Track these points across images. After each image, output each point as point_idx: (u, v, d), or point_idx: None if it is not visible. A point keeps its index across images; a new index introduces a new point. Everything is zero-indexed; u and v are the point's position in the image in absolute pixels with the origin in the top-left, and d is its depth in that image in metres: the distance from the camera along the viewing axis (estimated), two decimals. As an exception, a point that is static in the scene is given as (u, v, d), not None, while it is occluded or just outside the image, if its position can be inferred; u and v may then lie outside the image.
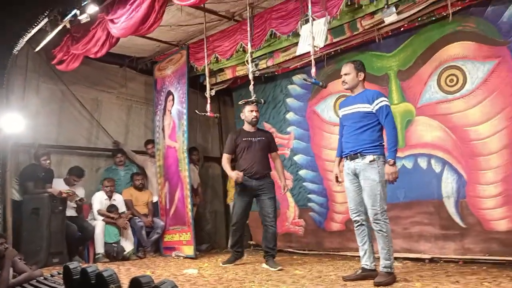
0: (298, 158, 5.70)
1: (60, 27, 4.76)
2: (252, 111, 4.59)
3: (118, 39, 4.72)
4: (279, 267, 4.24)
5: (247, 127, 4.67)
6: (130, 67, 6.45)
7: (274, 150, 4.69)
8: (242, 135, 4.65)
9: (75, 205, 5.32)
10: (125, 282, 2.47)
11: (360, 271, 3.55)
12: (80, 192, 5.45)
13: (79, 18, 4.48)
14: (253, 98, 4.59)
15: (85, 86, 6.07)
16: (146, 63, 6.45)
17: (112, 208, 5.52)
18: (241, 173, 4.45)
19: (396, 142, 3.39)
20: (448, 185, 4.38)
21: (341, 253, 5.09)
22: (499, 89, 4.04)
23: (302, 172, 5.65)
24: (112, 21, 4.47)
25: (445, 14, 4.13)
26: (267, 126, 6.01)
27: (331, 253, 5.22)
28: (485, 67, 4.11)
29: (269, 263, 4.38)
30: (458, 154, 4.33)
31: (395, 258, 4.44)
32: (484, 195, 4.13)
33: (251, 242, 6.28)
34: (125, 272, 4.27)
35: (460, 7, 4.11)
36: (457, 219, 4.31)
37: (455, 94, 4.32)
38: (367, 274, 3.48)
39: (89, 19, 4.48)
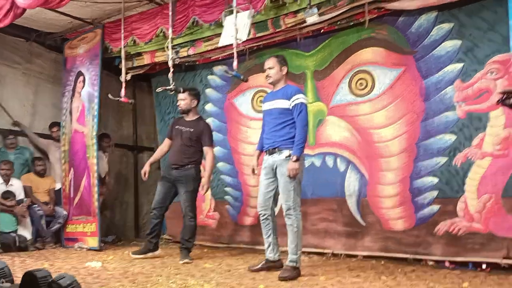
0: (216, 150, 5.61)
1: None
2: (178, 99, 4.52)
3: (24, 10, 4.30)
4: (185, 260, 4.19)
5: (184, 115, 4.56)
6: (37, 42, 5.92)
7: (205, 144, 4.46)
8: (177, 123, 4.59)
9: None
10: (19, 275, 2.26)
11: (264, 262, 3.69)
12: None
13: (-22, -19, 4.01)
14: (171, 86, 4.43)
15: (-15, 59, 5.50)
16: (56, 39, 5.97)
17: (8, 194, 5.06)
18: (145, 170, 4.56)
19: (303, 140, 3.48)
20: (351, 184, 4.60)
21: (252, 247, 5.15)
22: (402, 96, 4.31)
23: (219, 165, 5.60)
24: (17, -11, 4.06)
25: (362, 20, 4.31)
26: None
27: (242, 246, 5.25)
28: (392, 74, 4.36)
29: (180, 254, 4.32)
30: (362, 155, 4.56)
31: (303, 253, 4.60)
32: (383, 195, 4.40)
33: (165, 236, 6.12)
34: (20, 265, 3.94)
35: (376, 15, 4.31)
36: (358, 217, 4.54)
37: (364, 97, 4.54)
38: (271, 265, 3.65)
39: (-11, -16, 4.03)
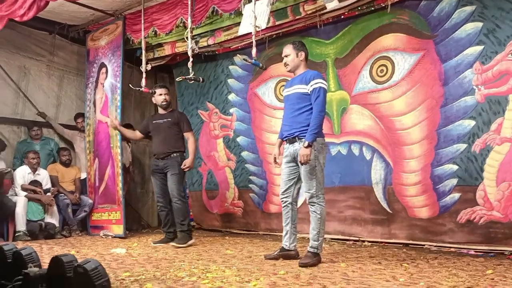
0: (240, 139, 5.70)
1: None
2: (161, 94, 4.71)
3: (47, 2, 4.40)
4: (182, 244, 4.36)
5: (160, 110, 4.83)
6: (60, 35, 6.04)
7: (185, 130, 4.73)
8: (153, 118, 4.86)
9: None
10: (47, 261, 2.34)
11: (279, 250, 3.66)
12: (0, 165, 5.08)
13: (3, -25, 4.11)
14: (191, 75, 4.48)
15: (10, 52, 5.63)
16: (79, 31, 6.07)
17: (35, 183, 5.21)
18: (115, 121, 4.92)
19: (317, 126, 3.36)
20: (377, 172, 4.58)
21: (274, 234, 5.22)
22: (421, 81, 4.25)
23: (244, 154, 5.66)
24: (41, -18, 4.14)
25: (383, 5, 4.25)
26: (210, 106, 5.95)
27: (268, 233, 5.34)
28: (412, 59, 4.30)
29: (176, 239, 4.51)
30: (385, 143, 4.52)
31: (333, 239, 4.62)
32: (407, 183, 4.37)
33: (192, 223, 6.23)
34: (47, 251, 4.07)
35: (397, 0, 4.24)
36: (384, 204, 4.53)
37: (384, 84, 4.49)
38: (285, 254, 3.61)
39: (14, -22, 4.12)
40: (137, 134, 4.98)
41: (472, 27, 3.94)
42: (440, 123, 4.13)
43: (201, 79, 4.52)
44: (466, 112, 3.97)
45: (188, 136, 4.75)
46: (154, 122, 4.78)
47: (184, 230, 4.51)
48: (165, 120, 4.70)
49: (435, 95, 4.16)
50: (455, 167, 4.05)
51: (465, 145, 3.99)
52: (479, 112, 3.91)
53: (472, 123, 3.94)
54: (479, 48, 3.90)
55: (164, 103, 4.72)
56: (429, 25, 4.20)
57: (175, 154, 4.61)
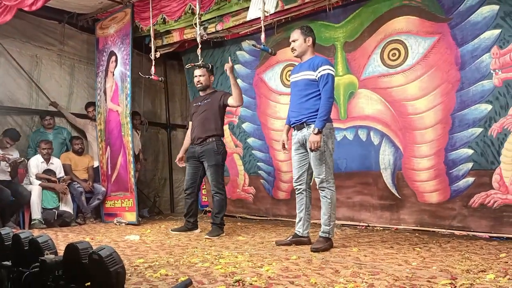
0: (246, 126, 5.70)
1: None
2: (195, 76, 4.51)
3: (56, -9, 4.38)
4: (207, 236, 4.13)
5: (200, 92, 4.62)
6: (69, 24, 6.03)
7: (225, 100, 4.33)
8: (194, 102, 4.69)
9: (9, 169, 5.01)
10: (62, 248, 2.38)
11: (291, 237, 3.67)
12: (15, 155, 5.14)
13: (11, -35, 4.10)
14: (200, 62, 4.45)
15: (22, 42, 5.65)
16: (88, 20, 6.06)
17: (49, 172, 5.27)
18: (179, 157, 4.66)
19: (326, 112, 3.34)
20: (385, 157, 4.55)
21: (286, 220, 5.24)
22: (437, 65, 4.18)
23: (250, 140, 5.66)
24: (49, -29, 4.13)
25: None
26: (215, 92, 5.95)
27: (279, 219, 5.37)
28: (426, 43, 4.23)
29: (208, 232, 4.28)
30: (395, 128, 4.49)
31: (336, 225, 4.60)
32: (419, 168, 4.34)
33: (207, 209, 6.31)
34: (62, 239, 4.13)
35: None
36: (393, 190, 4.51)
37: (396, 68, 4.43)
38: (298, 240, 3.62)
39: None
40: (190, 126, 4.60)
41: (488, 10, 3.86)
42: (456, 107, 4.08)
43: (210, 66, 4.50)
44: (483, 96, 3.92)
45: (230, 96, 4.32)
46: (194, 105, 4.59)
47: (216, 223, 4.29)
48: (204, 101, 4.45)
49: (451, 79, 4.09)
50: (471, 151, 4.00)
51: (480, 129, 3.94)
52: (496, 96, 3.85)
53: (489, 107, 3.89)
54: (496, 32, 3.82)
55: (199, 85, 4.48)
56: (442, 7, 4.13)
57: (211, 139, 4.32)
